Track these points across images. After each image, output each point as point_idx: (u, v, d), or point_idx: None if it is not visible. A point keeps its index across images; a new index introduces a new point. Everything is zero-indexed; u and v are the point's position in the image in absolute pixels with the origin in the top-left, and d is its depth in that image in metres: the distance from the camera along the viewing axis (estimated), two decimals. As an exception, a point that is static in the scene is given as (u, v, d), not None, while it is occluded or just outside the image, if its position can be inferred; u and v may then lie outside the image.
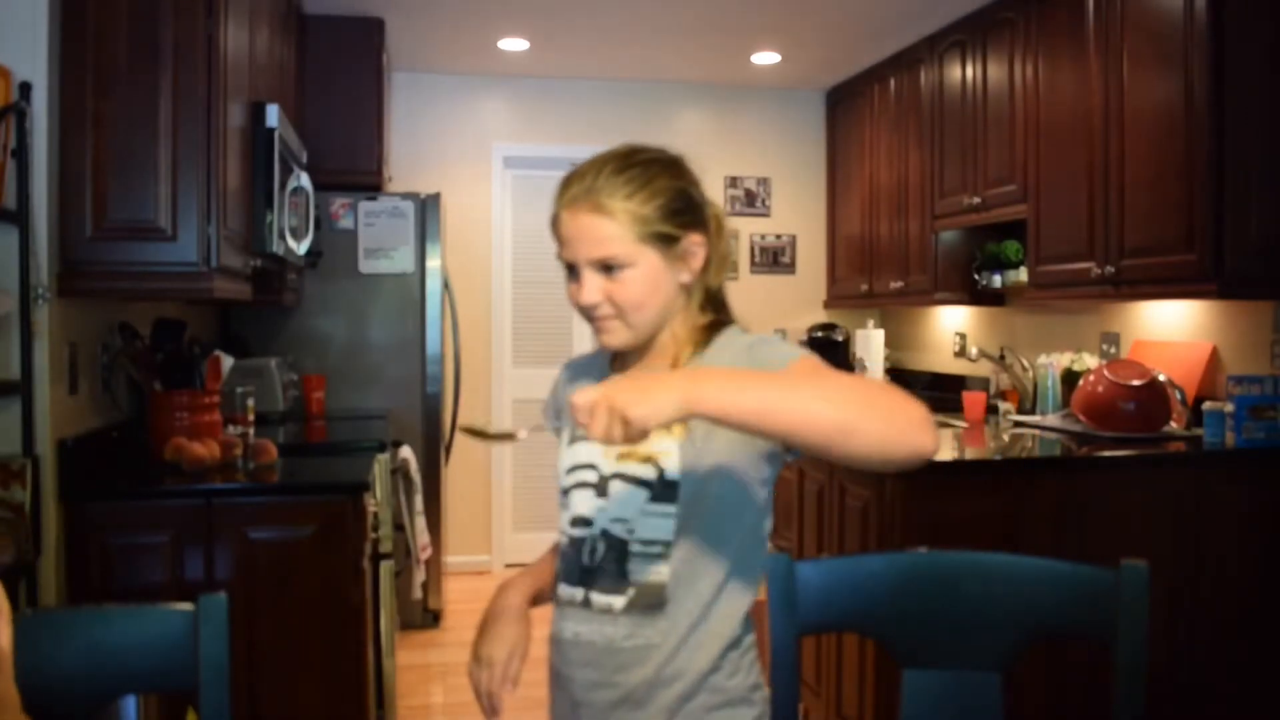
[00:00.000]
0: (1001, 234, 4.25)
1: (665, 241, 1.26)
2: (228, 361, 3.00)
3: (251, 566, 2.43)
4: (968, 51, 4.20)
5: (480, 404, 5.35)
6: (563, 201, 1.27)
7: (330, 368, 4.32)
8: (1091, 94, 3.35)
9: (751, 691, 1.29)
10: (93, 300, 2.56)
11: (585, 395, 1.04)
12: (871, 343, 4.90)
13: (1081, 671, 2.69)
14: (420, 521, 4.02)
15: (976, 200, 4.11)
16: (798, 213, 5.78)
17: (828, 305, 5.76)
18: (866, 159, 5.20)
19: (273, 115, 2.88)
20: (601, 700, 1.26)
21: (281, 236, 2.98)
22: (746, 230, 5.71)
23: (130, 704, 1.37)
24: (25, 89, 2.17)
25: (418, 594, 4.12)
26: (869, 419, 1.04)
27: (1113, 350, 3.76)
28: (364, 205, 4.35)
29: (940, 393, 4.74)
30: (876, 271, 5.10)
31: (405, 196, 4.41)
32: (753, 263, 5.73)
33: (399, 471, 3.87)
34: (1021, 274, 4.00)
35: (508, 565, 5.42)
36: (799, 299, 5.77)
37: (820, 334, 5.50)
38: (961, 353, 4.66)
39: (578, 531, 1.30)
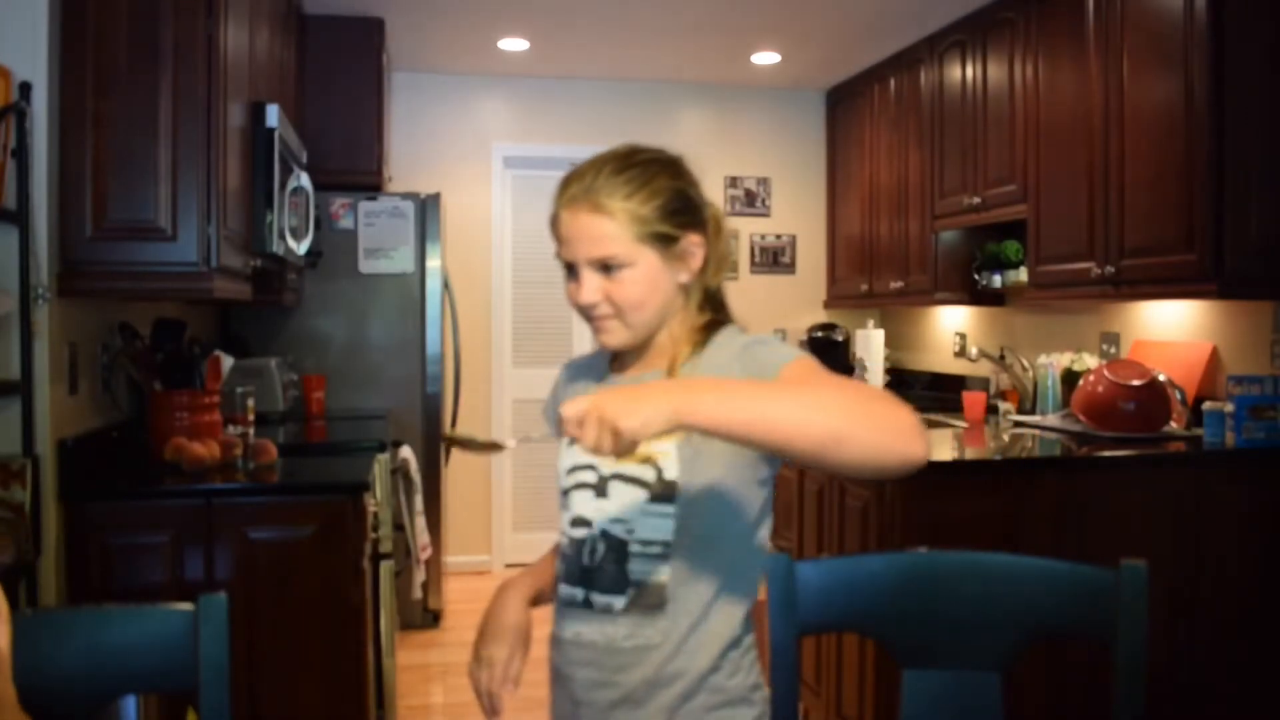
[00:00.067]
0: (1001, 234, 4.25)
1: (664, 241, 1.26)
2: (228, 361, 3.00)
3: (251, 566, 2.43)
4: (968, 51, 4.20)
5: (480, 404, 5.36)
6: (562, 201, 1.27)
7: (330, 368, 4.32)
8: (1091, 94, 3.35)
9: (751, 691, 1.29)
10: (93, 300, 2.56)
11: (575, 406, 1.03)
12: (871, 343, 4.90)
13: (1081, 671, 2.69)
14: (420, 521, 4.02)
15: (976, 200, 4.11)
16: (798, 213, 5.78)
17: (828, 305, 5.76)
18: (866, 159, 5.20)
19: (273, 115, 2.88)
20: (602, 700, 1.26)
21: (281, 236, 2.98)
22: (746, 230, 5.70)
23: (130, 704, 1.37)
24: (25, 89, 2.17)
25: (418, 594, 4.12)
26: (860, 428, 1.03)
27: (1113, 350, 3.76)
28: (364, 205, 4.35)
29: (940, 393, 4.74)
30: (876, 271, 5.10)
31: (405, 196, 4.41)
32: (752, 263, 5.73)
33: (399, 471, 3.87)
34: (1021, 274, 4.00)
35: (508, 565, 5.42)
36: (799, 299, 5.77)
37: (820, 334, 5.50)
38: (961, 353, 4.66)
39: (578, 532, 1.30)
